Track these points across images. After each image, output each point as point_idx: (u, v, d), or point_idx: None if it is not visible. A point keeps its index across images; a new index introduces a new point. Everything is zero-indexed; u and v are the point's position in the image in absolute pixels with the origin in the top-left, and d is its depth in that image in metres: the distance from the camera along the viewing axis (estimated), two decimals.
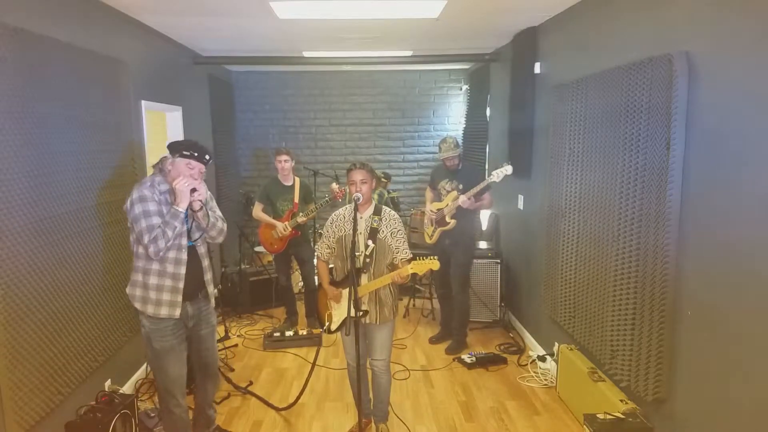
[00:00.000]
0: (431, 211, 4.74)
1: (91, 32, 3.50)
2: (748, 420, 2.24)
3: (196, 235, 2.97)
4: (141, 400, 3.77)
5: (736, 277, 2.28)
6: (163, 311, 2.89)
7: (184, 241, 2.89)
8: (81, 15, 3.42)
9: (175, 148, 2.84)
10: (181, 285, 2.89)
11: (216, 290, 3.22)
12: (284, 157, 5.07)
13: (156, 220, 2.74)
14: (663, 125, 2.63)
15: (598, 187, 3.36)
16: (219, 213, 3.14)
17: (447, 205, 4.62)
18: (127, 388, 3.87)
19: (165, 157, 2.88)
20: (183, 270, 2.89)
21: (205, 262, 3.08)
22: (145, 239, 2.72)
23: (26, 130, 2.71)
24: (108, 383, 3.62)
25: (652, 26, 2.86)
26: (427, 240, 4.84)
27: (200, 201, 2.84)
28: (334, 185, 5.30)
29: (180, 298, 2.90)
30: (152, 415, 3.59)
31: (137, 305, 2.93)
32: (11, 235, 2.57)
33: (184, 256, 2.90)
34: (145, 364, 4.23)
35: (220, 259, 6.16)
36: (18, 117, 2.65)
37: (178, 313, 2.91)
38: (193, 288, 3.01)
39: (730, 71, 2.30)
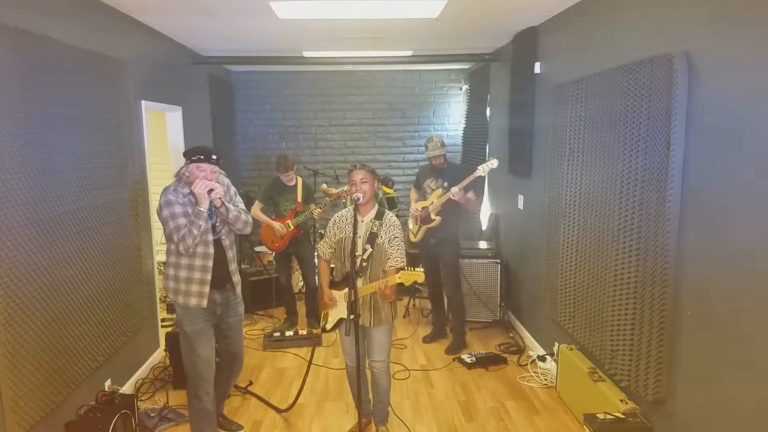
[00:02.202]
0: (416, 209, 4.76)
1: (91, 32, 3.50)
2: (748, 420, 2.24)
3: (221, 228, 3.19)
4: (141, 400, 3.77)
5: (736, 277, 2.28)
6: (192, 301, 3.09)
7: (210, 237, 3.12)
8: (81, 15, 3.42)
9: (186, 155, 3.11)
10: (209, 277, 3.11)
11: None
12: (289, 174, 5.09)
13: (182, 221, 3.00)
14: (663, 125, 2.63)
15: (598, 187, 3.36)
16: (242, 206, 3.32)
17: (432, 202, 4.65)
18: (127, 388, 3.87)
19: (181, 167, 3.15)
20: (210, 263, 3.11)
21: (230, 254, 3.26)
22: (175, 238, 2.99)
23: (26, 130, 2.71)
24: (108, 383, 3.62)
25: (652, 26, 2.86)
26: (412, 238, 4.84)
27: (220, 198, 3.05)
28: (324, 186, 5.33)
29: (207, 290, 3.11)
30: (152, 415, 3.59)
31: (170, 295, 3.16)
32: (11, 235, 2.56)
33: (211, 250, 3.12)
34: (145, 364, 4.24)
35: None
36: (18, 117, 2.64)
37: (205, 303, 3.11)
38: (220, 278, 3.18)
39: (730, 71, 2.30)
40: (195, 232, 2.98)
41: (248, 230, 3.31)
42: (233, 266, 3.27)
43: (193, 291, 3.09)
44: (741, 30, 2.23)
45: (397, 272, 3.06)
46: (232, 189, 3.31)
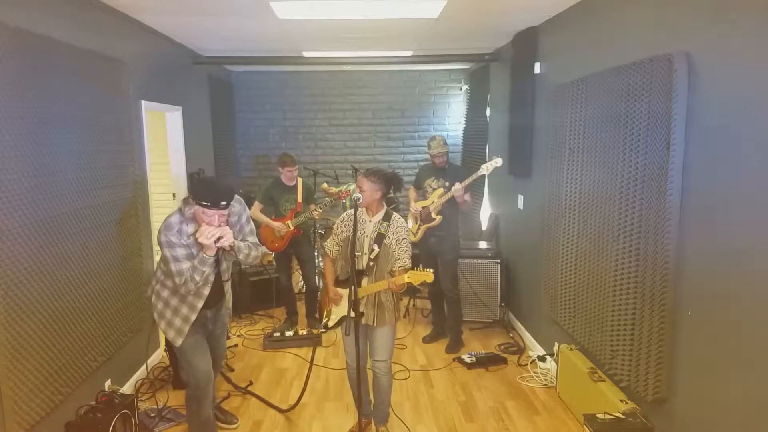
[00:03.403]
0: (416, 208, 4.76)
1: (91, 32, 3.50)
2: (748, 420, 2.24)
3: (224, 265, 3.06)
4: (141, 400, 3.77)
5: (736, 277, 2.28)
6: (170, 334, 3.01)
7: (212, 277, 2.96)
8: (81, 15, 3.42)
9: (193, 192, 2.83)
10: (193, 317, 2.98)
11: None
12: (294, 167, 5.12)
13: (185, 265, 2.80)
14: (663, 125, 2.63)
15: (598, 187, 3.36)
16: (253, 239, 3.14)
17: (433, 202, 4.66)
18: (127, 388, 3.88)
19: (186, 199, 2.86)
20: (200, 304, 2.98)
21: (227, 286, 3.20)
22: (177, 281, 2.81)
23: (26, 130, 2.71)
24: (108, 383, 3.62)
25: (652, 26, 2.86)
26: (412, 238, 4.84)
27: (230, 245, 2.83)
28: (324, 185, 5.34)
29: (186, 329, 2.99)
30: (152, 415, 3.59)
31: (155, 315, 3.06)
32: (11, 235, 2.57)
33: (206, 291, 2.98)
34: (144, 365, 4.24)
35: None
36: (18, 117, 2.65)
37: (179, 342, 3.00)
38: (214, 300, 3.10)
39: (730, 71, 2.30)
40: (197, 278, 2.79)
41: (257, 262, 3.17)
42: (228, 295, 3.24)
43: (175, 325, 2.98)
44: (741, 30, 2.23)
45: (405, 272, 3.09)
46: (244, 216, 3.11)
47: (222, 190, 2.80)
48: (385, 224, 3.19)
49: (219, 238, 2.76)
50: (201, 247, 2.79)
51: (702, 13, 2.47)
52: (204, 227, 2.75)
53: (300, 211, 5.10)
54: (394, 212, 3.29)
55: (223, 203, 2.76)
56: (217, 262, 3.00)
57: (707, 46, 2.43)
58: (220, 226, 2.80)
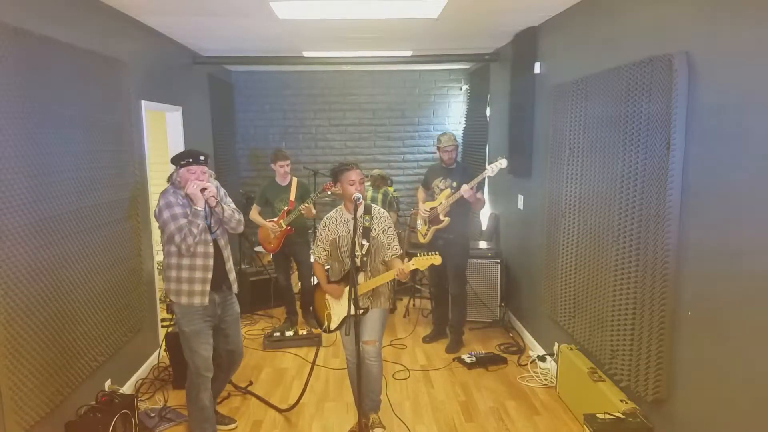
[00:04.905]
0: (424, 210, 4.75)
1: (91, 32, 3.50)
2: (747, 420, 2.24)
3: (217, 230, 3.30)
4: (141, 400, 3.77)
5: (736, 277, 2.28)
6: (196, 300, 3.18)
7: (209, 236, 3.22)
8: (81, 15, 3.42)
9: (175, 161, 3.21)
10: (210, 275, 3.20)
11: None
12: (286, 162, 5.10)
13: (183, 221, 3.10)
14: (663, 125, 2.63)
15: (598, 186, 3.36)
16: (233, 206, 3.41)
17: (440, 203, 4.63)
18: (127, 388, 3.87)
19: (172, 174, 3.24)
20: (211, 261, 3.21)
21: (225, 254, 3.34)
22: (177, 239, 3.07)
23: (26, 130, 2.71)
24: (108, 383, 3.62)
25: (652, 26, 2.86)
26: (421, 239, 4.84)
27: (213, 197, 3.16)
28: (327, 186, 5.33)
29: (209, 288, 3.20)
30: (152, 415, 3.59)
31: (172, 297, 3.24)
32: (11, 235, 2.56)
33: (211, 249, 3.22)
34: (145, 364, 4.24)
35: None
36: (18, 117, 2.64)
37: (207, 301, 3.20)
38: (217, 278, 3.25)
39: (730, 71, 2.30)
40: (194, 231, 3.08)
41: (241, 229, 3.41)
42: (229, 265, 3.36)
43: (196, 290, 3.16)
44: (741, 30, 2.23)
45: (402, 260, 3.19)
46: (222, 190, 3.41)
47: (196, 150, 3.27)
48: (367, 218, 3.23)
49: (203, 189, 3.11)
50: (191, 201, 3.12)
51: (702, 13, 2.47)
52: (191, 182, 3.12)
53: (292, 210, 5.09)
54: (372, 205, 3.35)
55: (202, 158, 3.19)
56: (210, 229, 3.20)
57: (707, 46, 2.43)
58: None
